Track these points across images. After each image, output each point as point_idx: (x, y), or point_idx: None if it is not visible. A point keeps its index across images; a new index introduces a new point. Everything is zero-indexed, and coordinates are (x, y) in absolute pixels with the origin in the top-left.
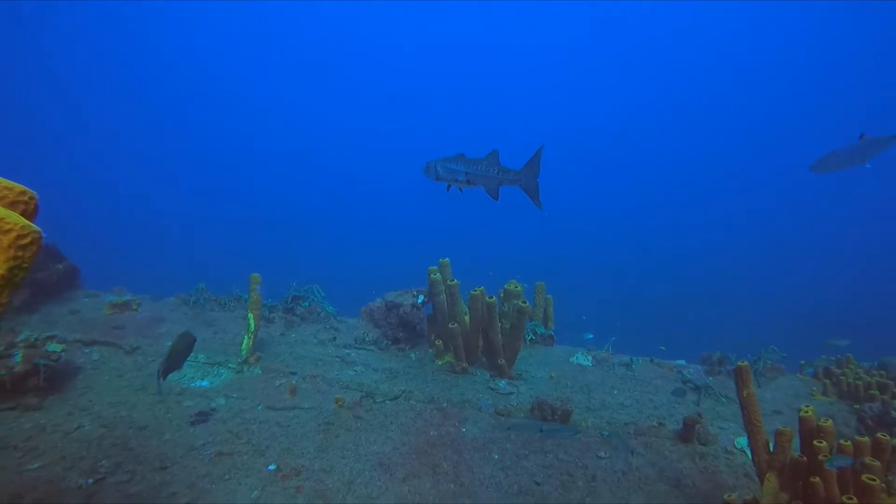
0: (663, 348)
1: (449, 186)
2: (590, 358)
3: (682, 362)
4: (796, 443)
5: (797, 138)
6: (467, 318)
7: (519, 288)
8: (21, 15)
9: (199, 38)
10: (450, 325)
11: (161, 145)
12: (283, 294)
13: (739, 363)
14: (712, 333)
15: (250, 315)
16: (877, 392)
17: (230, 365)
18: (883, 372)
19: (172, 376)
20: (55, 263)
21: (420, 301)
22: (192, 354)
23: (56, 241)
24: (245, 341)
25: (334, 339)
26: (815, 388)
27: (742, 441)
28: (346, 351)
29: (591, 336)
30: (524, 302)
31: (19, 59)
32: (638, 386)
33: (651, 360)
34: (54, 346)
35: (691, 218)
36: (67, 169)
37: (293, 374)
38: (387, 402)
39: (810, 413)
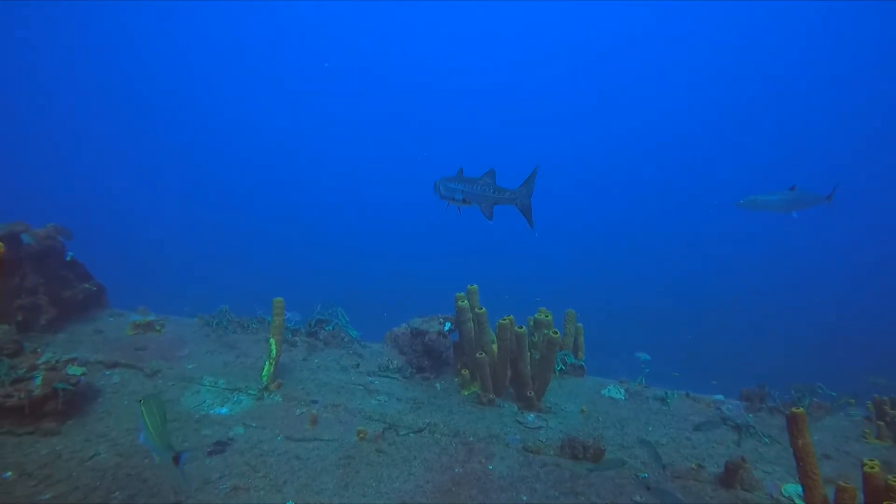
0: (677, 374)
1: (448, 205)
2: (622, 391)
3: (721, 397)
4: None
5: (816, 144)
6: (495, 347)
7: (549, 317)
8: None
9: (208, 49)
10: (477, 355)
11: (180, 161)
12: (307, 315)
13: (794, 409)
14: (740, 360)
15: (272, 340)
16: None
17: (251, 391)
18: None
19: (190, 401)
20: (82, 282)
21: (447, 328)
22: (213, 379)
23: (84, 259)
24: (266, 367)
25: (357, 365)
26: (867, 430)
27: (790, 489)
28: (370, 379)
29: (648, 357)
30: (555, 332)
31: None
32: (674, 422)
33: (687, 395)
34: (75, 370)
35: (708, 232)
36: (97, 188)
37: (314, 402)
38: (410, 435)
39: (877, 469)
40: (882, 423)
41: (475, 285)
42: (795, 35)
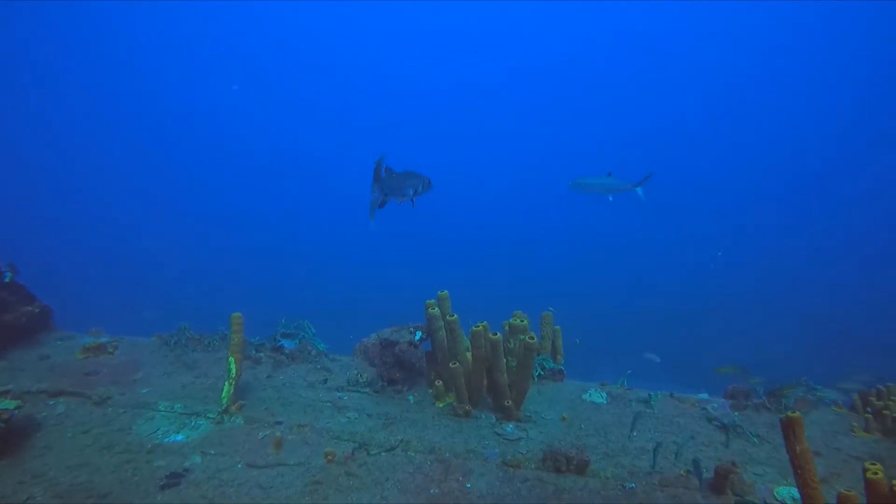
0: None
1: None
2: (604, 394)
3: (706, 396)
4: None
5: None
6: (470, 355)
7: (525, 322)
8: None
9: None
10: (451, 365)
11: (136, 167)
12: (273, 329)
13: (790, 414)
14: (723, 354)
15: (231, 359)
16: None
17: (209, 415)
18: None
19: (143, 430)
20: (24, 305)
21: (418, 338)
22: (169, 404)
23: (26, 280)
24: (226, 388)
25: (325, 381)
26: (855, 424)
27: (783, 491)
28: (339, 394)
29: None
30: (531, 337)
31: None
32: (659, 425)
33: (671, 395)
34: (7, 404)
35: (689, 224)
36: (50, 201)
37: (279, 423)
38: (382, 454)
39: (880, 475)
40: (870, 416)
41: (446, 291)
42: (794, 36)
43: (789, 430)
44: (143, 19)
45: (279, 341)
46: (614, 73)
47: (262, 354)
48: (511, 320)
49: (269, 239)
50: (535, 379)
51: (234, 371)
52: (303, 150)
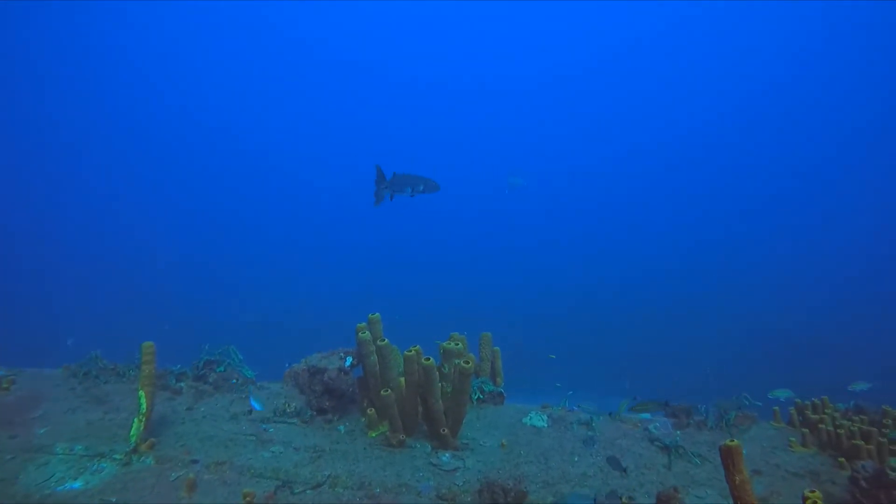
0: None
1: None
2: (545, 417)
3: (648, 416)
4: None
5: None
6: (403, 381)
7: (461, 345)
8: None
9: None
10: (381, 393)
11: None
12: (195, 357)
13: (728, 443)
14: (664, 369)
15: (141, 393)
16: (861, 442)
17: (116, 456)
18: (864, 417)
19: (33, 478)
20: None
21: (348, 364)
22: (68, 445)
23: None
24: (135, 425)
25: (250, 411)
26: (792, 439)
27: None
28: (264, 426)
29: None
30: (467, 361)
31: None
32: (601, 449)
33: (611, 415)
34: None
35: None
36: None
37: (194, 462)
38: (308, 492)
39: (819, 503)
40: (806, 431)
41: (377, 314)
42: (795, 36)
43: (728, 459)
44: (142, 19)
45: (201, 370)
46: (596, 85)
47: (182, 384)
48: (445, 343)
49: (204, 254)
50: (474, 403)
51: (143, 406)
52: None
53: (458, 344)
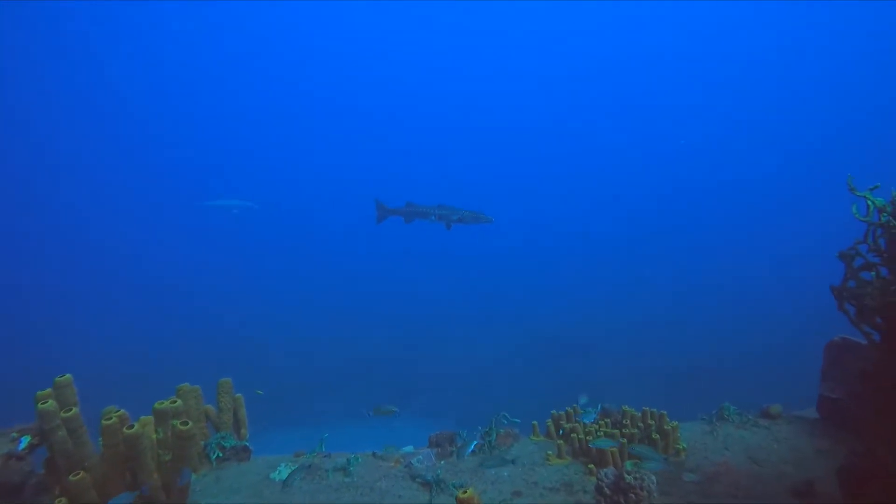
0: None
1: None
2: (296, 469)
3: (410, 448)
4: None
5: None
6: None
7: (177, 402)
8: None
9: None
10: (70, 478)
11: None
12: None
13: (460, 494)
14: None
15: None
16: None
17: None
18: (607, 420)
19: None
20: None
21: (23, 446)
22: None
23: None
24: None
25: None
26: (549, 452)
27: None
28: None
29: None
30: (184, 423)
31: None
32: (359, 496)
33: (373, 455)
34: None
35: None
36: None
37: None
38: None
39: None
40: (561, 442)
41: (68, 376)
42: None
43: None
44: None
45: None
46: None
47: None
48: (156, 405)
49: None
50: (213, 463)
51: None
52: None
53: (174, 402)
